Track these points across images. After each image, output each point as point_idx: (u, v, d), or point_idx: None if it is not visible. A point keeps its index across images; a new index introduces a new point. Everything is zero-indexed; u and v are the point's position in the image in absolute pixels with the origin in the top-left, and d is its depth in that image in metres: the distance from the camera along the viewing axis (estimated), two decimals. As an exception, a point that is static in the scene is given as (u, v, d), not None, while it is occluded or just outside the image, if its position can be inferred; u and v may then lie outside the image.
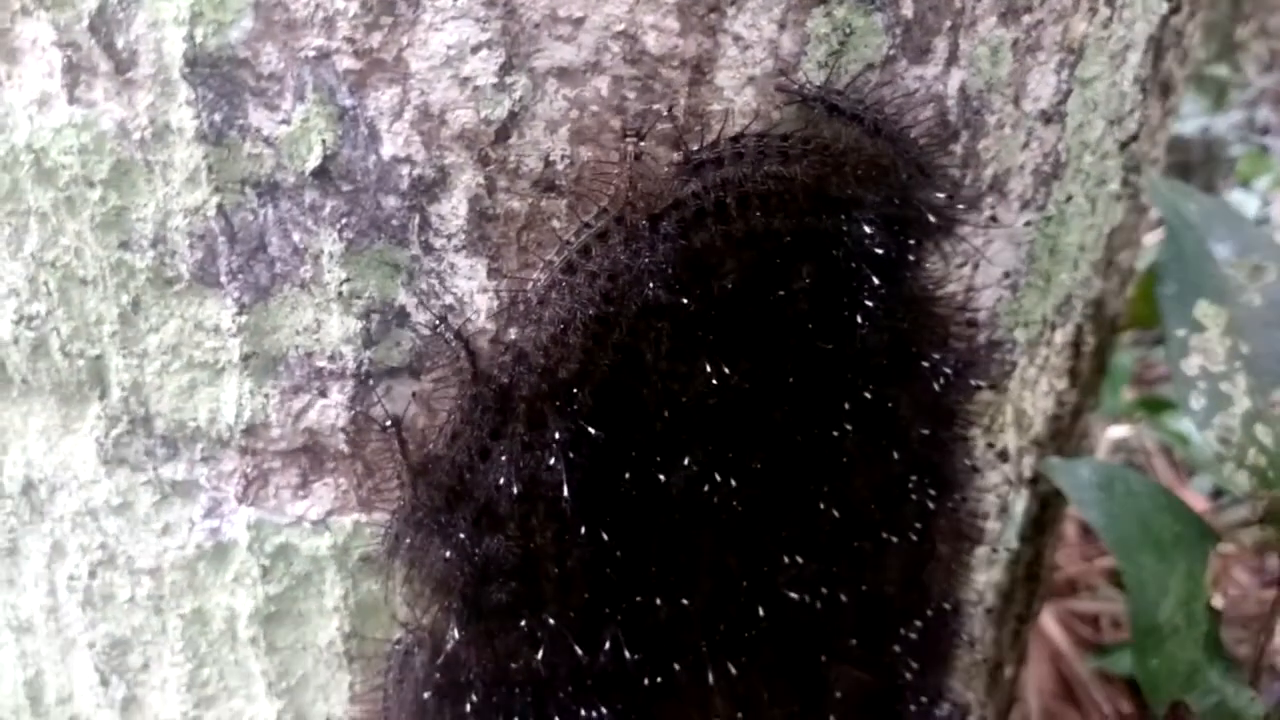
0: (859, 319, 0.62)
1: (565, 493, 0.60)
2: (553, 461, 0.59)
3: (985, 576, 0.94)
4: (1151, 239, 1.49)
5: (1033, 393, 0.88)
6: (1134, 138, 0.82)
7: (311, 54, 0.54)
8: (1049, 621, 1.69)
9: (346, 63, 0.54)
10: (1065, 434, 1.00)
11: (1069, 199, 0.77)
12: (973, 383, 0.73)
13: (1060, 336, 0.88)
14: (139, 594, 0.68)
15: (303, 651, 0.68)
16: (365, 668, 0.68)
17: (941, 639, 0.81)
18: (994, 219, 0.70)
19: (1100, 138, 0.76)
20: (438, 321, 0.60)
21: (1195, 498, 1.73)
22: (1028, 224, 0.74)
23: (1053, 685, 1.69)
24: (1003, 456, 0.89)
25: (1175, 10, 0.83)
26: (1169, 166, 0.98)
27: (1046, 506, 1.00)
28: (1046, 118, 0.70)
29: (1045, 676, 1.69)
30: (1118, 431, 1.92)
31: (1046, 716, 1.65)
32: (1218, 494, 1.72)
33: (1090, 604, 1.77)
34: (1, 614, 0.74)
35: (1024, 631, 1.12)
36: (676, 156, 0.57)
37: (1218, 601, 0.98)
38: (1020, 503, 0.95)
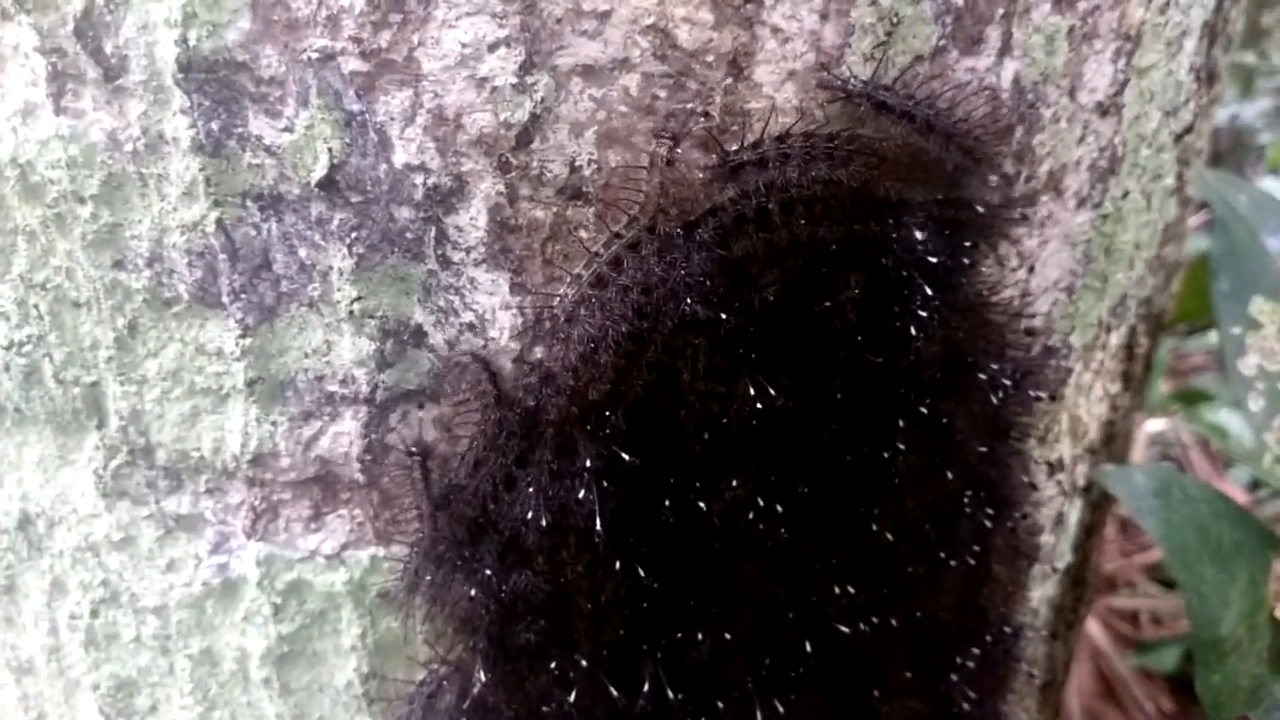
0: (911, 330, 0.57)
1: (598, 525, 0.55)
2: (583, 492, 0.55)
3: (1040, 593, 0.90)
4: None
5: (1088, 399, 0.83)
6: (1189, 129, 0.77)
7: (315, 56, 0.50)
8: (1089, 619, 1.64)
9: (353, 64, 0.50)
10: (1117, 439, 0.96)
11: (1125, 195, 0.72)
12: (1032, 394, 0.68)
13: (1115, 339, 0.83)
14: (144, 633, 0.64)
15: (319, 693, 0.64)
16: (386, 711, 0.64)
17: (1000, 665, 0.76)
18: (1046, 211, 0.66)
19: (1156, 130, 0.71)
20: (457, 341, 0.55)
21: (1234, 490, 1.68)
22: (1084, 223, 0.70)
23: (1093, 683, 1.65)
24: (1058, 466, 0.84)
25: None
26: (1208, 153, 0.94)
27: (1096, 509, 0.95)
28: (1103, 110, 0.65)
29: (1085, 675, 1.65)
30: (1154, 425, 1.88)
31: (1087, 715, 1.62)
32: (1255, 486, 1.68)
33: (1130, 601, 1.73)
34: (1, 654, 0.70)
35: (1071, 638, 1.07)
36: (713, 159, 0.53)
37: (1280, 613, 0.93)
38: (1074, 513, 0.90)
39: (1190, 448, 1.87)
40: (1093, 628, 1.63)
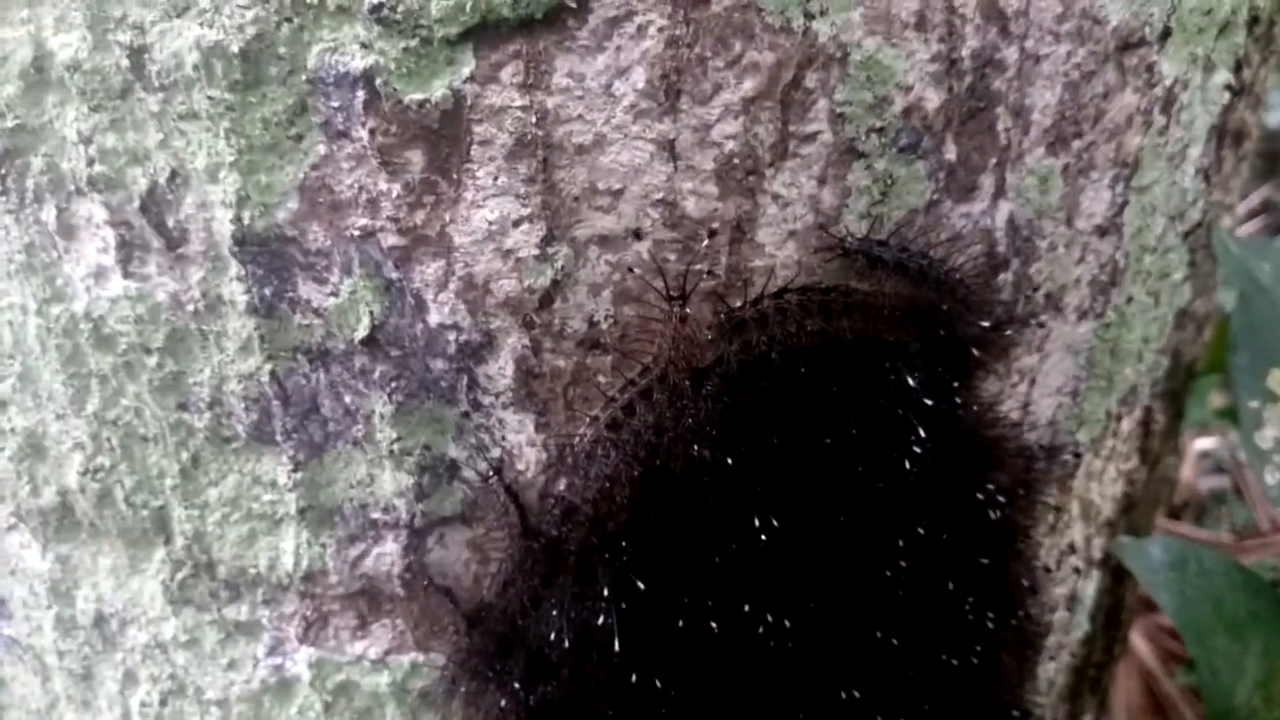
0: (907, 463, 0.62)
1: (616, 644, 0.60)
2: (602, 617, 0.60)
3: (1055, 665, 0.93)
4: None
5: (1100, 483, 0.87)
6: (1199, 224, 0.80)
7: (357, 233, 0.55)
8: (1136, 637, 1.64)
9: (391, 239, 0.55)
10: (1139, 506, 0.98)
11: (1129, 300, 0.75)
12: (1034, 501, 0.72)
13: (1127, 425, 0.86)
14: (208, 721, 0.70)
15: (366, 780, 0.70)
16: (427, 797, 0.69)
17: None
18: (1044, 329, 0.69)
19: (1162, 234, 0.74)
20: (488, 474, 0.60)
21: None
22: (1086, 333, 0.73)
23: (1141, 700, 1.65)
24: (1070, 549, 0.87)
25: (1238, 94, 0.81)
26: (1256, 157, 0.94)
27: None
28: (1102, 231, 0.69)
29: (1133, 691, 1.65)
30: (1205, 443, 1.86)
31: None
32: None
33: None
34: (79, 732, 0.76)
35: (1104, 676, 1.10)
36: (719, 314, 0.57)
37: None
38: (1090, 585, 0.94)
39: (1243, 465, 1.83)
40: (1139, 645, 1.63)
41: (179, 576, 0.65)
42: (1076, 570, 0.90)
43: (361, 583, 0.64)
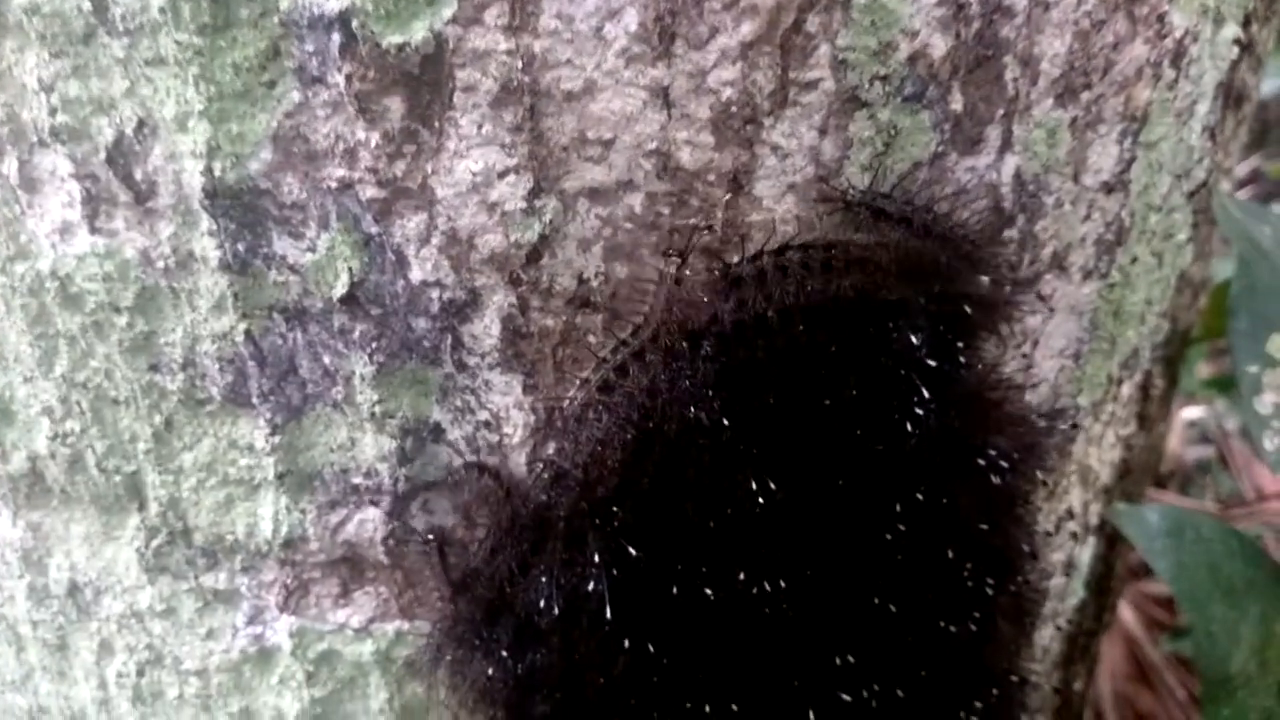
0: (909, 425, 0.59)
1: (607, 612, 0.58)
2: (593, 583, 0.58)
3: (1050, 630, 0.92)
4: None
5: (1099, 447, 0.85)
6: (1203, 184, 0.78)
7: (333, 184, 0.52)
8: (1122, 605, 1.64)
9: (370, 192, 0.52)
10: (1135, 471, 0.97)
11: (1134, 261, 0.73)
12: (1035, 465, 0.70)
13: (1127, 389, 0.84)
14: (187, 692, 0.68)
15: (350, 751, 0.68)
16: (413, 767, 0.68)
17: (1005, 713, 0.79)
18: (1042, 299, 0.67)
19: (1168, 193, 0.72)
20: (474, 438, 0.58)
21: (1275, 479, 1.67)
22: (1090, 293, 0.71)
23: (1125, 668, 1.66)
24: (1068, 515, 0.86)
25: (1246, 48, 0.78)
26: (1250, 128, 0.93)
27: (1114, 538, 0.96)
28: (1109, 188, 0.66)
29: (1118, 659, 1.65)
30: (1192, 412, 1.85)
31: (1119, 699, 1.62)
32: (1299, 476, 1.66)
33: (1163, 586, 1.72)
34: (55, 702, 0.74)
35: (1094, 644, 1.09)
36: (715, 271, 0.55)
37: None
38: (1087, 551, 0.92)
39: (1230, 434, 1.84)
40: (1125, 613, 1.63)
41: (154, 544, 0.63)
42: (1074, 536, 0.88)
43: (343, 550, 0.62)
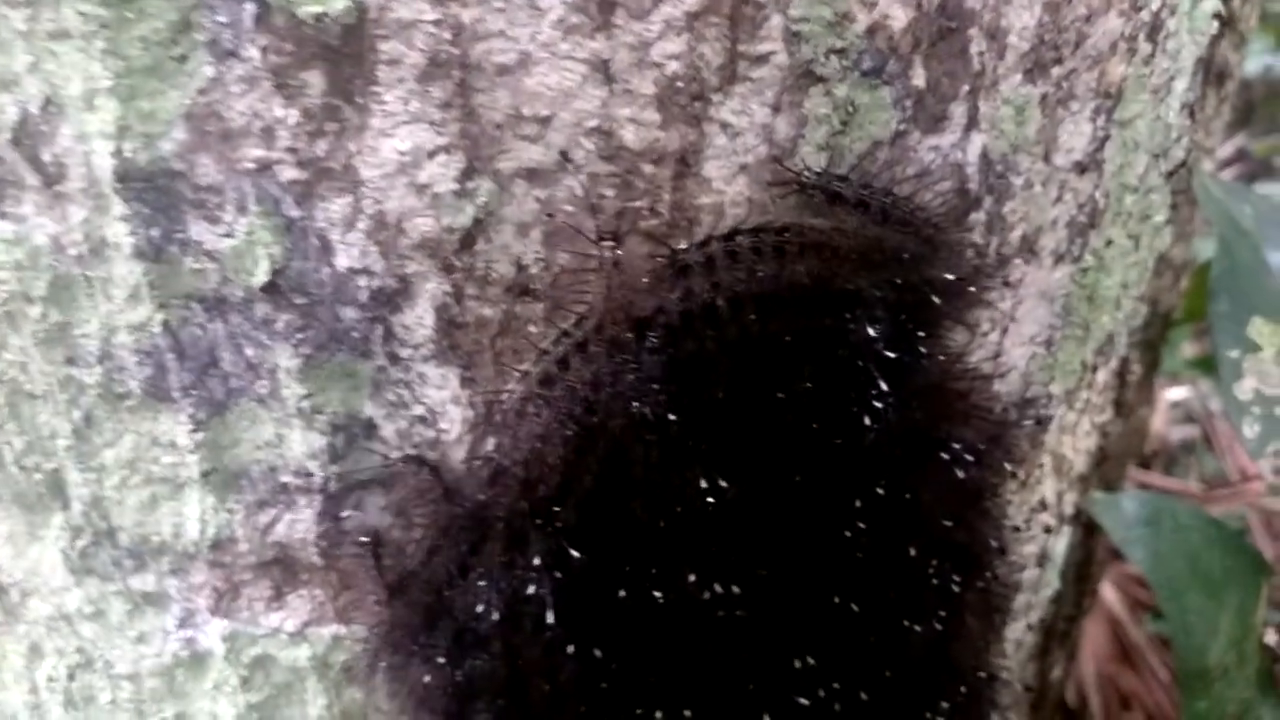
0: (867, 419, 0.57)
1: (549, 617, 0.55)
2: (534, 587, 0.55)
3: (1024, 622, 0.89)
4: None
5: (1073, 436, 0.82)
6: (1182, 164, 0.75)
7: (251, 165, 0.49)
8: (1105, 586, 1.63)
9: (290, 173, 0.49)
10: (1112, 460, 0.94)
11: (1109, 244, 0.70)
12: (1003, 457, 0.67)
13: (1102, 376, 0.82)
14: (120, 697, 0.65)
15: (290, 756, 0.65)
16: (355, 775, 0.65)
17: (973, 712, 0.76)
18: (1011, 285, 0.64)
19: (1144, 174, 0.69)
20: (409, 434, 0.55)
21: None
22: (1062, 277, 0.68)
23: (1108, 648, 1.65)
24: (1040, 505, 0.83)
25: (1227, 24, 0.75)
26: (1231, 107, 0.91)
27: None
28: (1081, 168, 0.63)
29: (1101, 639, 1.65)
30: (1176, 393, 1.84)
31: (1102, 679, 1.62)
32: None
33: None
34: (-14, 706, 0.71)
35: (1074, 630, 1.07)
36: (661, 258, 0.52)
37: (1270, 637, 0.93)
38: (1061, 542, 0.90)
39: (1214, 415, 1.83)
40: (1108, 593, 1.62)
41: (79, 544, 0.60)
42: (1047, 529, 0.86)
43: (274, 551, 0.58)
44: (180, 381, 0.54)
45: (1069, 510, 0.89)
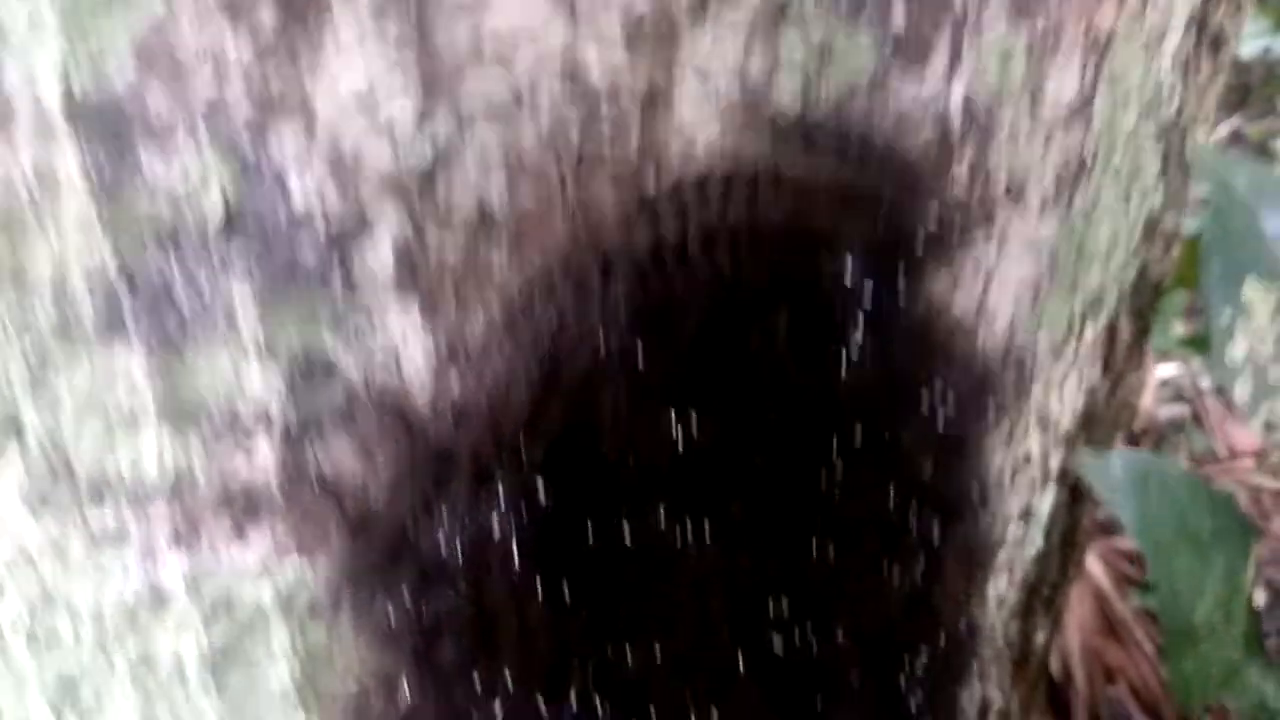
0: (844, 364, 0.56)
1: (515, 556, 0.55)
2: (499, 525, 0.54)
3: (1006, 579, 0.89)
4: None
5: (1060, 392, 0.81)
6: (1175, 123, 0.73)
7: (204, 101, 0.47)
8: (1091, 560, 1.65)
9: (244, 109, 0.47)
10: (1099, 420, 0.93)
11: (1098, 196, 0.69)
12: (986, 406, 0.66)
13: (1091, 332, 0.80)
14: (83, 635, 0.65)
15: (255, 696, 0.65)
16: (323, 714, 0.65)
17: (954, 662, 0.76)
18: (995, 236, 0.63)
19: (1134, 129, 0.68)
20: (368, 372, 0.54)
21: (1248, 436, 1.66)
22: (1049, 229, 0.67)
23: (1094, 622, 1.67)
24: (1025, 460, 0.82)
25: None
26: (1229, 89, 0.89)
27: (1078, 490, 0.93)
28: (1068, 121, 0.62)
29: (1087, 613, 1.67)
30: (1166, 370, 1.84)
31: (1088, 653, 1.64)
32: (1270, 428, 1.65)
33: (1133, 542, 1.73)
34: (-48, 640, 0.71)
35: (1058, 598, 1.07)
36: (630, 202, 0.50)
37: (1258, 597, 0.93)
38: (1046, 501, 0.89)
39: (1204, 393, 1.84)
40: (1094, 568, 1.64)
41: (37, 480, 0.59)
42: (1032, 483, 0.85)
43: (234, 488, 0.58)
44: (135, 318, 0.53)
45: (1054, 469, 0.88)
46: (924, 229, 0.57)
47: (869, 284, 0.55)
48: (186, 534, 0.60)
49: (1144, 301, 0.92)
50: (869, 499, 0.62)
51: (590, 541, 0.57)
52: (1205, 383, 1.81)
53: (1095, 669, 1.60)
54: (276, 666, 0.63)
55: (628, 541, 0.57)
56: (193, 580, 0.61)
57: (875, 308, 0.56)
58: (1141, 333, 0.93)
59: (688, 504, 0.57)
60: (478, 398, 0.53)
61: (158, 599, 0.62)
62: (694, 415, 0.55)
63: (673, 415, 0.54)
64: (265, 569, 0.61)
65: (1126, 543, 1.73)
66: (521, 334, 0.52)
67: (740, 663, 0.64)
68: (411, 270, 0.52)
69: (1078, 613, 1.63)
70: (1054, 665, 1.57)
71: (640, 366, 0.53)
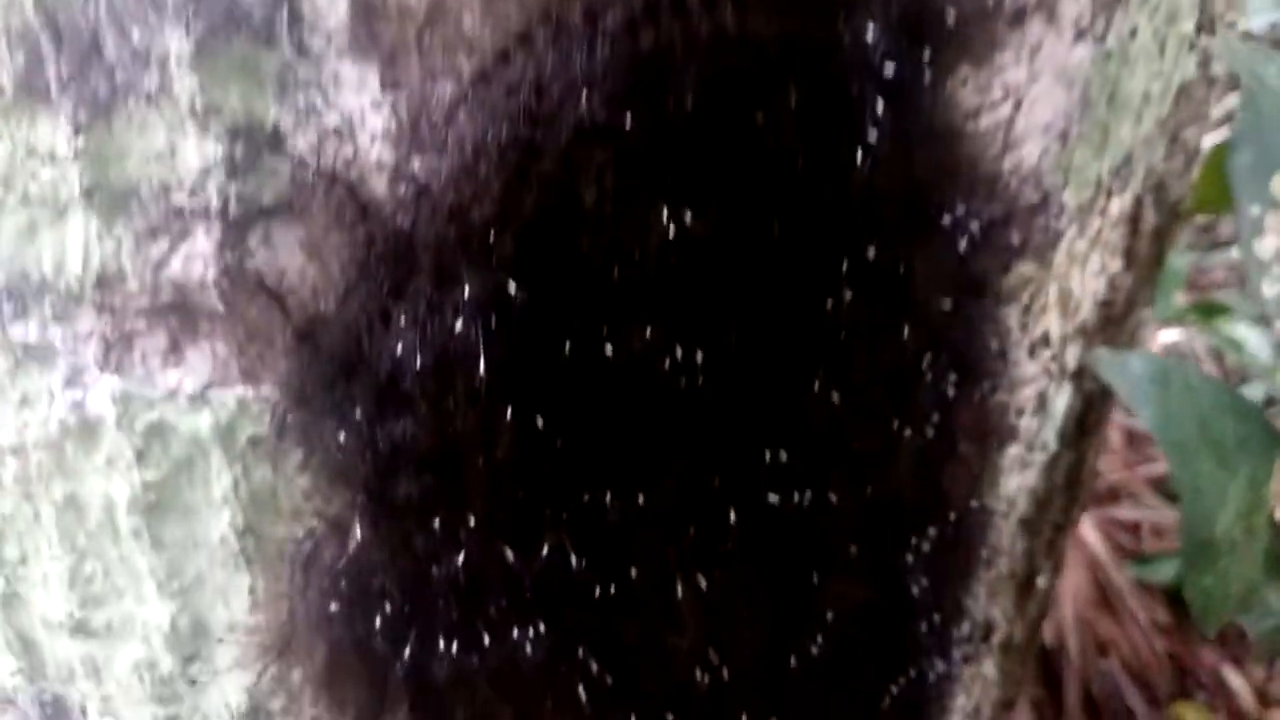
0: (860, 156, 0.49)
1: (481, 366, 0.48)
2: (464, 328, 0.47)
3: (1018, 480, 0.82)
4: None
5: (1082, 270, 0.75)
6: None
7: None
8: (1088, 529, 1.61)
9: None
10: (1116, 324, 0.87)
11: (1134, 33, 0.63)
12: (1009, 244, 0.60)
13: (1116, 207, 0.74)
14: (6, 476, 0.58)
15: (193, 549, 0.58)
16: (266, 569, 0.58)
17: (961, 549, 0.69)
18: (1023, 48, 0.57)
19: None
20: (319, 148, 0.47)
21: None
22: (1083, 59, 0.61)
23: (1089, 592, 1.63)
24: (1044, 342, 0.76)
25: None
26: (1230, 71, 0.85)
27: (1091, 406, 0.87)
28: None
29: (1081, 583, 1.63)
30: (1168, 336, 1.81)
31: (1081, 623, 1.60)
32: (1270, 403, 1.60)
33: (1132, 512, 1.68)
34: None
35: (1060, 540, 1.00)
36: (619, -67, 0.44)
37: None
38: (1062, 398, 0.82)
39: (1204, 360, 1.81)
40: (1091, 537, 1.60)
41: (-49, 285, 0.52)
42: (1048, 373, 0.79)
43: (169, 292, 0.51)
44: (58, 74, 0.46)
45: (1070, 364, 0.82)
46: (955, 14, 0.50)
47: (891, 64, 0.48)
48: (117, 349, 0.53)
49: (1165, 209, 0.86)
50: (879, 338, 0.56)
51: (567, 359, 0.50)
52: (1205, 347, 1.79)
53: (1088, 641, 1.56)
54: (216, 513, 0.56)
55: (609, 359, 0.50)
56: (124, 407, 0.54)
57: (897, 93, 0.49)
58: (1162, 233, 0.87)
59: (677, 320, 0.51)
60: (442, 177, 0.46)
61: (86, 430, 0.55)
62: (687, 207, 0.48)
63: (663, 205, 0.47)
64: (203, 395, 0.54)
65: (1124, 512, 1.69)
66: (494, 98, 0.45)
67: (731, 523, 0.56)
68: (368, 20, 0.45)
69: (1072, 583, 1.58)
70: (1047, 635, 1.52)
71: (628, 141, 0.46)
